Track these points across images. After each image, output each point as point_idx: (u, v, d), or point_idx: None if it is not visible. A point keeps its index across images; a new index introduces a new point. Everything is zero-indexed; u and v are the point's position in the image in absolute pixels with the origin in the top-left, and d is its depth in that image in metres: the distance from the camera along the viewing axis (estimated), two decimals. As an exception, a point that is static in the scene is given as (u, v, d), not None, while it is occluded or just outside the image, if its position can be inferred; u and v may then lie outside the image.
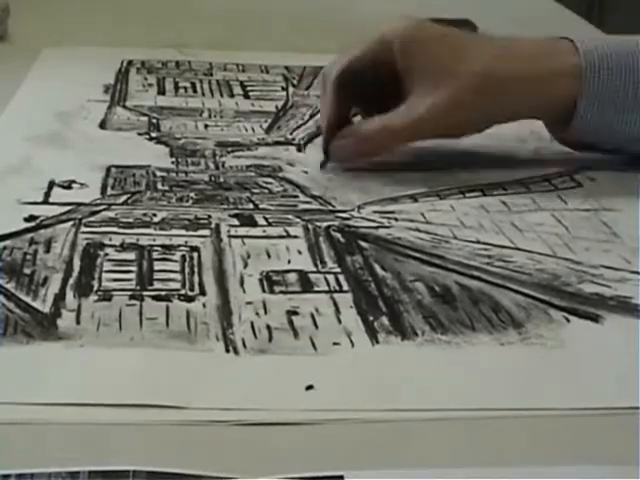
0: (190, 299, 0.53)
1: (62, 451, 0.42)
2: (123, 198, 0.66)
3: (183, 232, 0.61)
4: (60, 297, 0.53)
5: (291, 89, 0.89)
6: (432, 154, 0.75)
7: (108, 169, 0.70)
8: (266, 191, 0.68)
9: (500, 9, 1.16)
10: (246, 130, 0.79)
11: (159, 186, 0.68)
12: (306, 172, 0.71)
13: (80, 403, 0.45)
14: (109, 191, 0.67)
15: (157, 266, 0.57)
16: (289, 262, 0.58)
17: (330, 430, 0.45)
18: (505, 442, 0.44)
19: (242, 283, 0.55)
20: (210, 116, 0.82)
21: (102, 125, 0.79)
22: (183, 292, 0.54)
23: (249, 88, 0.89)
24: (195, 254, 0.58)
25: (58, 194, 0.66)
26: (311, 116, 0.83)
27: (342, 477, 0.41)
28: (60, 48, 0.98)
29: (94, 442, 0.43)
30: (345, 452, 0.43)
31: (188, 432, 0.44)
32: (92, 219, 0.62)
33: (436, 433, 0.45)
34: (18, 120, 0.79)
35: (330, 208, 0.65)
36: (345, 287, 0.55)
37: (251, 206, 0.65)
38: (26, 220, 0.62)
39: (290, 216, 0.64)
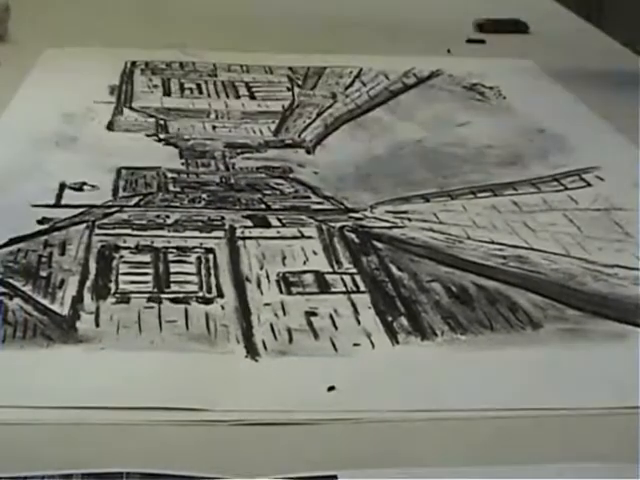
0: (208, 301, 0.53)
1: (57, 452, 0.42)
2: (135, 200, 0.65)
3: (197, 234, 0.61)
4: (78, 299, 0.53)
5: (297, 89, 0.89)
6: (438, 154, 0.75)
7: (119, 171, 0.70)
8: (278, 192, 0.68)
9: (500, 9, 1.16)
10: (254, 132, 0.79)
11: (170, 187, 0.68)
12: (316, 173, 0.71)
13: (103, 407, 0.45)
14: (121, 193, 0.67)
15: (173, 268, 0.57)
16: (305, 263, 0.58)
17: (347, 430, 0.45)
18: (506, 442, 0.45)
19: (259, 284, 0.55)
20: (217, 117, 0.82)
21: (110, 127, 0.79)
22: (201, 294, 0.54)
23: (255, 89, 0.89)
24: (210, 256, 0.58)
25: (70, 196, 0.66)
26: (318, 115, 0.83)
27: (335, 477, 0.41)
28: (61, 49, 0.98)
29: (92, 443, 0.43)
30: (339, 451, 0.43)
31: (182, 433, 0.44)
32: (105, 221, 0.62)
33: (452, 433, 0.45)
34: (24, 122, 0.79)
35: (343, 208, 0.65)
36: (362, 288, 0.55)
37: (263, 207, 0.65)
38: (39, 222, 0.62)
39: (303, 217, 0.64)
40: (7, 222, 0.61)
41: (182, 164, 0.72)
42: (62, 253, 0.58)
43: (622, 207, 0.67)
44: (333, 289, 0.55)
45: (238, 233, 0.61)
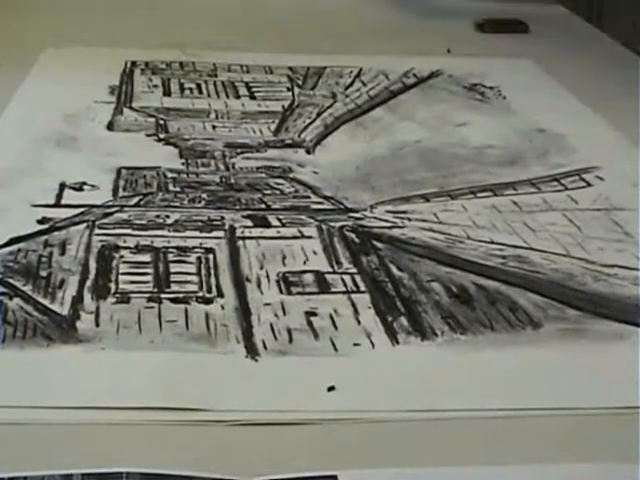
0: (208, 301, 0.53)
1: (57, 452, 0.42)
2: (135, 200, 0.65)
3: (197, 234, 0.61)
4: (78, 299, 0.53)
5: (297, 89, 0.89)
6: (438, 154, 0.75)
7: (119, 171, 0.70)
8: (277, 192, 0.68)
9: (500, 9, 1.16)
10: (254, 132, 0.79)
11: (170, 187, 0.68)
12: (316, 173, 0.71)
13: (103, 407, 0.45)
14: (121, 193, 0.67)
15: (173, 268, 0.57)
16: (305, 263, 0.58)
17: (347, 430, 0.45)
18: (505, 442, 0.45)
19: (259, 284, 0.55)
20: (217, 117, 0.82)
21: (110, 126, 0.79)
22: (201, 294, 0.54)
23: (255, 89, 0.89)
24: (210, 256, 0.58)
25: (70, 196, 0.66)
26: (318, 115, 0.83)
27: (335, 477, 0.41)
28: (61, 49, 0.98)
29: (92, 444, 0.43)
30: (339, 451, 0.43)
31: (182, 433, 0.44)
32: (105, 221, 0.62)
33: (452, 433, 0.45)
34: (24, 122, 0.79)
35: (343, 208, 0.65)
36: (362, 288, 0.55)
37: (263, 207, 0.65)
38: (39, 222, 0.62)
39: (303, 217, 0.64)
40: (7, 222, 0.61)
41: (182, 164, 0.72)
42: (62, 253, 0.58)
43: (622, 207, 0.67)
44: (333, 289, 0.55)
45: (238, 233, 0.61)
